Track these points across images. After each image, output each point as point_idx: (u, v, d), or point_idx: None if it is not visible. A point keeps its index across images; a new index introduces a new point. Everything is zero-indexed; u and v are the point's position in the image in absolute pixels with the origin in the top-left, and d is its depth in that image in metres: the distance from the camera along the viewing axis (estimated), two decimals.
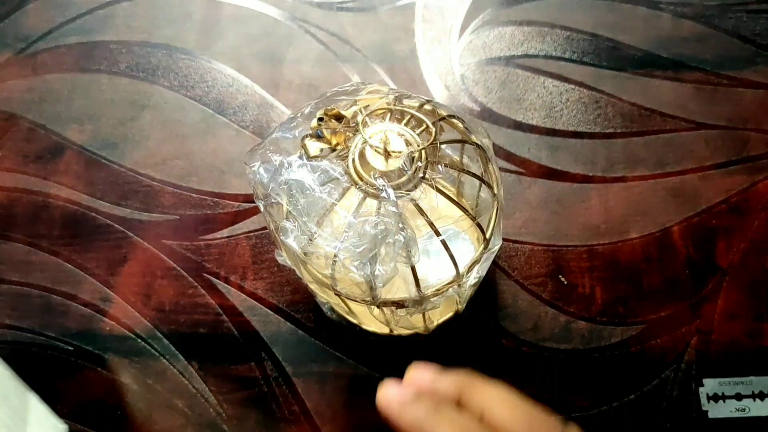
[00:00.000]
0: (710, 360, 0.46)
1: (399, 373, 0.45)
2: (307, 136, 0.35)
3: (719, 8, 0.54)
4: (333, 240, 0.33)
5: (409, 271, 0.34)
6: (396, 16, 0.54)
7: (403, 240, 0.32)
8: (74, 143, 0.51)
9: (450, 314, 0.42)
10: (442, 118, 0.36)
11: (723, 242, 0.48)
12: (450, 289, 0.35)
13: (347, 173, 0.33)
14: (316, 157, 0.34)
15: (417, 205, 0.33)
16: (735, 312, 0.46)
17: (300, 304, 0.47)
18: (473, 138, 0.37)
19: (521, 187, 0.49)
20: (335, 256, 0.33)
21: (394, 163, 0.33)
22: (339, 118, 0.34)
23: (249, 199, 0.49)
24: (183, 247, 0.49)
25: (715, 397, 0.45)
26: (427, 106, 0.36)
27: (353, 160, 0.33)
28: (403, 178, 0.33)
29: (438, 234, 0.33)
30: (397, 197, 0.32)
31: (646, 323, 0.46)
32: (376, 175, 0.33)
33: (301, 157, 0.35)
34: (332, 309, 0.43)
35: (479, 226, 0.35)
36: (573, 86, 0.52)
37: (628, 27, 0.53)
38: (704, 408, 0.45)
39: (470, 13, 0.53)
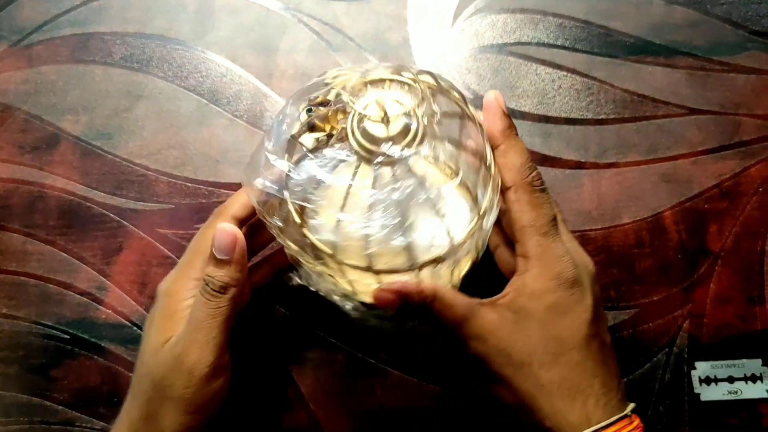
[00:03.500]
0: (702, 343, 0.46)
1: (394, 359, 0.46)
2: (300, 132, 0.35)
3: None
4: (366, 220, 0.33)
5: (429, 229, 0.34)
6: (389, 5, 0.54)
7: (430, 195, 0.33)
8: (69, 134, 0.52)
9: (468, 266, 0.42)
10: (433, 78, 0.36)
11: (715, 226, 0.48)
12: (475, 233, 0.35)
13: (354, 152, 0.33)
14: (316, 148, 0.34)
15: (430, 158, 0.33)
16: (727, 296, 0.47)
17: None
18: (465, 105, 0.36)
19: None
20: (371, 235, 0.33)
21: (396, 126, 0.33)
22: (324, 103, 0.35)
23: None
24: (178, 236, 0.49)
25: (707, 380, 0.45)
26: (406, 73, 0.36)
27: (355, 138, 0.33)
28: (409, 137, 0.33)
29: (457, 174, 0.33)
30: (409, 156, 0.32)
31: (638, 307, 0.47)
32: (382, 144, 0.33)
33: (302, 157, 0.34)
34: (346, 296, 0.41)
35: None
36: (565, 73, 0.52)
37: (620, 14, 0.53)
38: (696, 391, 0.45)
39: (463, 1, 0.53)
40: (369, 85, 0.35)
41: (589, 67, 0.52)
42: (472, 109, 0.37)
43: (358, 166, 0.33)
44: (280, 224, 0.35)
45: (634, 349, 0.46)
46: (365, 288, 0.39)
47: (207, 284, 0.37)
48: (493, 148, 0.38)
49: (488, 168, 0.36)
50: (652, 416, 0.45)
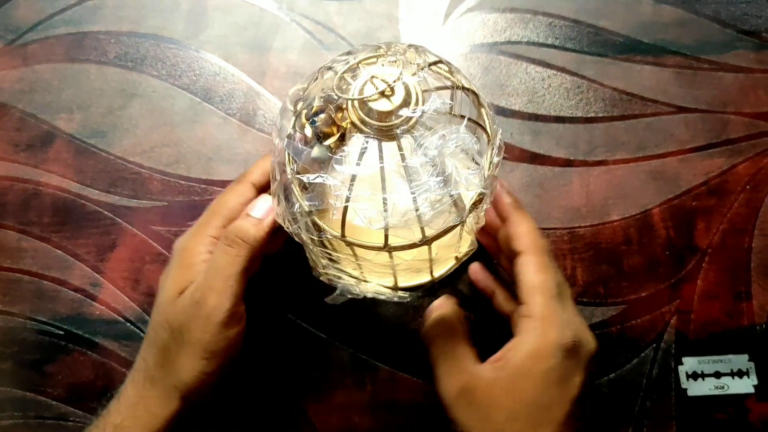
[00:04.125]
0: (689, 339, 0.46)
1: (384, 353, 0.46)
2: (311, 149, 0.34)
3: None
4: (413, 189, 0.33)
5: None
6: (380, 5, 0.54)
7: (455, 142, 0.33)
8: (64, 132, 0.52)
9: (467, 246, 0.42)
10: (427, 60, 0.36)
11: (702, 223, 0.48)
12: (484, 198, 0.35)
13: (371, 137, 0.33)
14: (333, 153, 0.34)
15: (438, 110, 0.33)
16: (714, 292, 0.47)
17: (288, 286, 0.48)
18: (462, 82, 0.36)
19: (504, 172, 0.50)
20: (423, 202, 0.33)
21: (398, 94, 0.33)
22: (321, 110, 0.35)
23: None
24: (171, 233, 0.50)
25: (694, 376, 0.46)
26: (382, 50, 0.36)
27: (365, 123, 0.33)
28: (413, 99, 0.33)
29: (463, 117, 0.34)
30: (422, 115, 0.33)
31: (626, 303, 0.47)
32: (392, 116, 0.33)
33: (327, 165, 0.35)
34: (342, 278, 0.42)
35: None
36: (555, 72, 0.52)
37: (610, 13, 0.53)
38: (683, 386, 0.46)
39: (453, 0, 0.54)
40: (358, 69, 0.35)
41: (579, 66, 0.52)
42: (461, 76, 0.37)
43: (380, 147, 0.33)
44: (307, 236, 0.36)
45: (622, 344, 0.46)
46: (383, 270, 0.40)
47: (229, 234, 0.39)
48: (503, 221, 0.40)
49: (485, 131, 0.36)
50: (639, 411, 0.45)
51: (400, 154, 0.33)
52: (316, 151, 0.35)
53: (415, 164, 0.33)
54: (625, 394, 0.45)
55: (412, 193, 0.33)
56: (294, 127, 0.36)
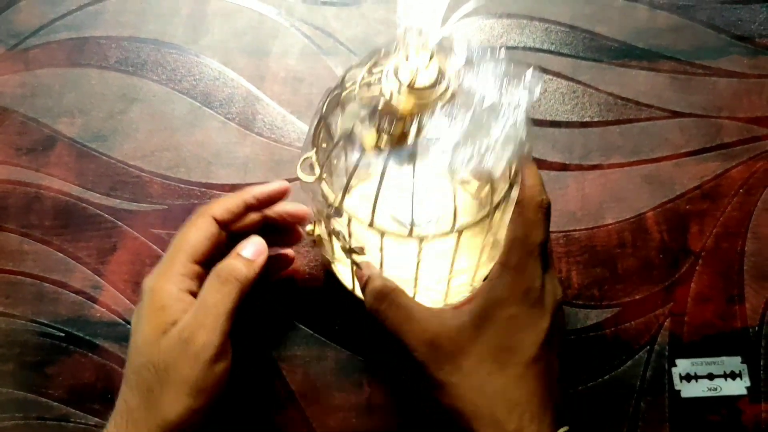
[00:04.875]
0: (683, 341, 0.47)
1: (382, 355, 0.47)
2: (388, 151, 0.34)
3: None
4: (484, 152, 0.32)
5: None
6: (378, 10, 0.55)
7: (494, 101, 0.32)
8: (65, 136, 0.53)
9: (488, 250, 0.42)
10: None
11: (696, 227, 0.49)
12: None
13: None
14: (400, 142, 0.34)
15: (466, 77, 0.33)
16: (707, 294, 0.48)
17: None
18: None
19: None
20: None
21: (433, 66, 0.33)
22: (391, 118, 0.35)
23: (236, 188, 0.50)
24: (171, 236, 0.50)
25: (687, 377, 0.46)
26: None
27: (413, 102, 0.33)
28: (446, 70, 0.33)
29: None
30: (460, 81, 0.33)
31: (620, 306, 0.48)
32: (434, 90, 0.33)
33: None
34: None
35: None
36: (551, 77, 0.53)
37: (605, 18, 0.54)
38: (677, 388, 0.46)
39: (451, 6, 0.54)
40: (372, 74, 0.35)
41: (575, 71, 0.53)
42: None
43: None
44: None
45: (616, 346, 0.47)
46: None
47: (221, 273, 0.39)
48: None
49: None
50: (633, 413, 0.46)
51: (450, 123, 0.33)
52: (395, 155, 0.34)
53: (464, 127, 0.32)
54: (619, 395, 0.46)
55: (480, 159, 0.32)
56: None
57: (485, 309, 0.36)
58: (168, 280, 0.40)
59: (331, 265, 0.45)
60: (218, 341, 0.38)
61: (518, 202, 0.38)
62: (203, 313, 0.38)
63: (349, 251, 0.39)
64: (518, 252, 0.37)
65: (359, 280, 0.40)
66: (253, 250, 0.41)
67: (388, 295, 0.38)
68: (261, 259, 0.41)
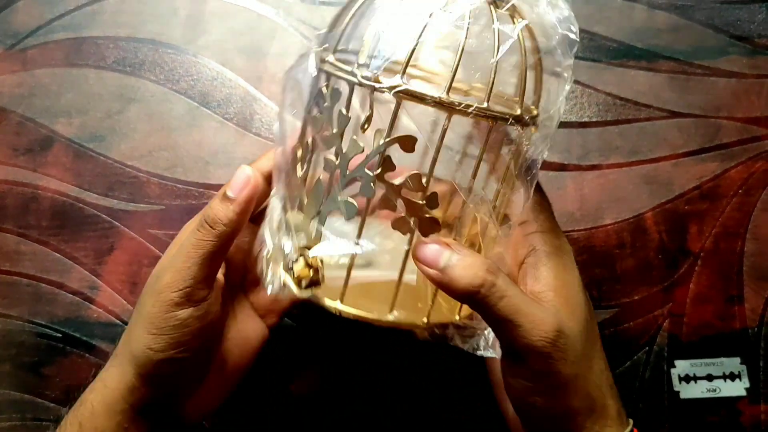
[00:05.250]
0: (682, 342, 0.47)
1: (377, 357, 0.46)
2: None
3: None
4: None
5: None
6: None
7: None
8: (63, 136, 0.53)
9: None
10: None
11: (695, 227, 0.49)
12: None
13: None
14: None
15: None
16: (706, 295, 0.47)
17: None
18: None
19: None
20: None
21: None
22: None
23: None
24: (169, 237, 0.50)
25: (686, 378, 0.46)
26: None
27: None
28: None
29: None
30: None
31: (619, 307, 0.47)
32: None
33: None
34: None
35: None
36: None
37: (604, 18, 0.54)
38: (676, 389, 0.46)
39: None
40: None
41: (573, 71, 0.53)
42: None
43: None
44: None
45: (615, 347, 0.47)
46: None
47: (202, 214, 0.38)
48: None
49: None
50: (632, 414, 0.45)
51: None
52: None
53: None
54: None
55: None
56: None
57: (570, 290, 0.37)
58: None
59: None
60: (183, 285, 0.36)
61: (533, 245, 0.39)
62: (176, 253, 0.38)
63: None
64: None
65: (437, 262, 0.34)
66: (233, 185, 0.38)
67: (496, 281, 0.34)
68: (244, 194, 0.38)
